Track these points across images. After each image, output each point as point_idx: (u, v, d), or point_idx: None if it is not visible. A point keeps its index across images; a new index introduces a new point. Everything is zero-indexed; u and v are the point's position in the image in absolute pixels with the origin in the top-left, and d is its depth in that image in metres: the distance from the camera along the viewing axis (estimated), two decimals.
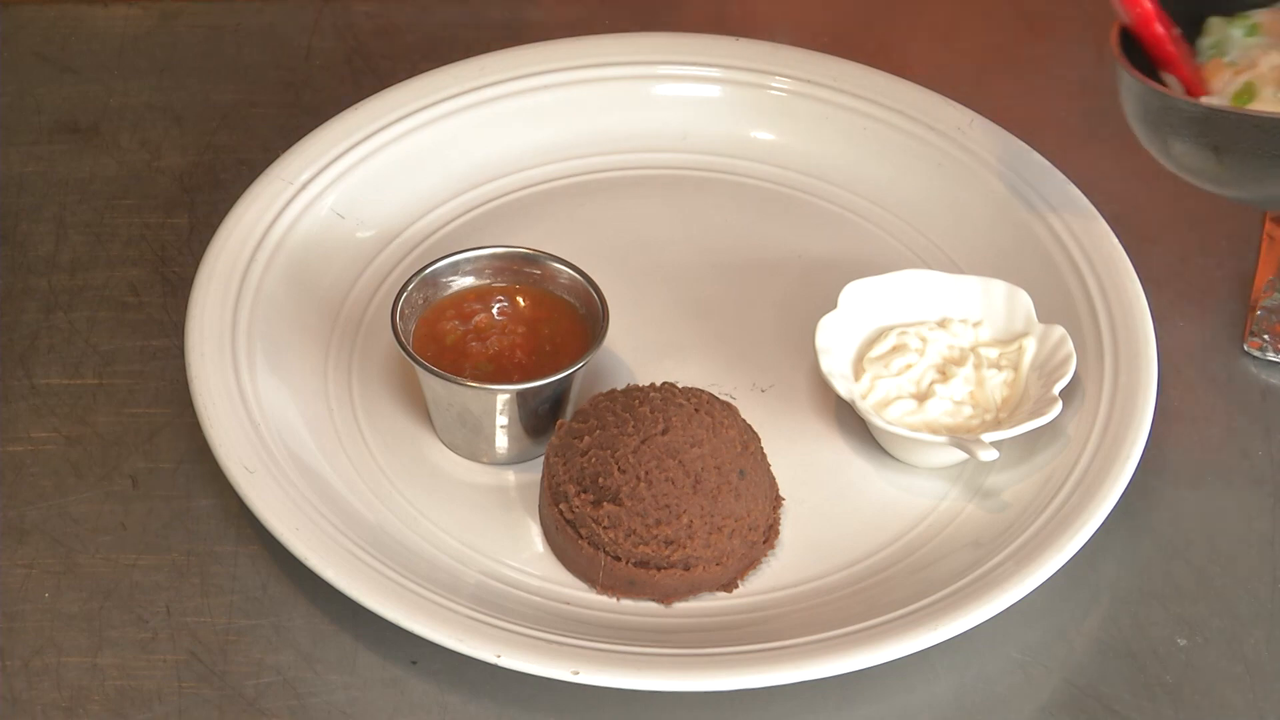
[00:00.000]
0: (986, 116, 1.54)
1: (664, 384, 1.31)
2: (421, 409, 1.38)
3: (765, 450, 1.32)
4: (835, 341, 1.38)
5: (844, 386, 1.35)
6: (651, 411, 1.27)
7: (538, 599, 1.28)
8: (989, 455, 1.30)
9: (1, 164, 1.58)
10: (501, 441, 1.34)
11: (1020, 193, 1.49)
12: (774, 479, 1.33)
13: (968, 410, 1.36)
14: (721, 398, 1.32)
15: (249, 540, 1.32)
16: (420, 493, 1.34)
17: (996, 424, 1.35)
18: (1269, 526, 1.35)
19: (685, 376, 1.36)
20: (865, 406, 1.34)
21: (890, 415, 1.35)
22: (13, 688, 1.24)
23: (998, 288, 1.40)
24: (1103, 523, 1.28)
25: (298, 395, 1.38)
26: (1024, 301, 1.39)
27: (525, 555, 1.31)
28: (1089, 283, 1.43)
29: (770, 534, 1.31)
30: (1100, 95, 1.68)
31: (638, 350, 1.45)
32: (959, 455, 1.33)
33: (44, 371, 1.42)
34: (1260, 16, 1.45)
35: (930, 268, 1.48)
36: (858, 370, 1.38)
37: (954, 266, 1.48)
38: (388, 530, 1.31)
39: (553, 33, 1.62)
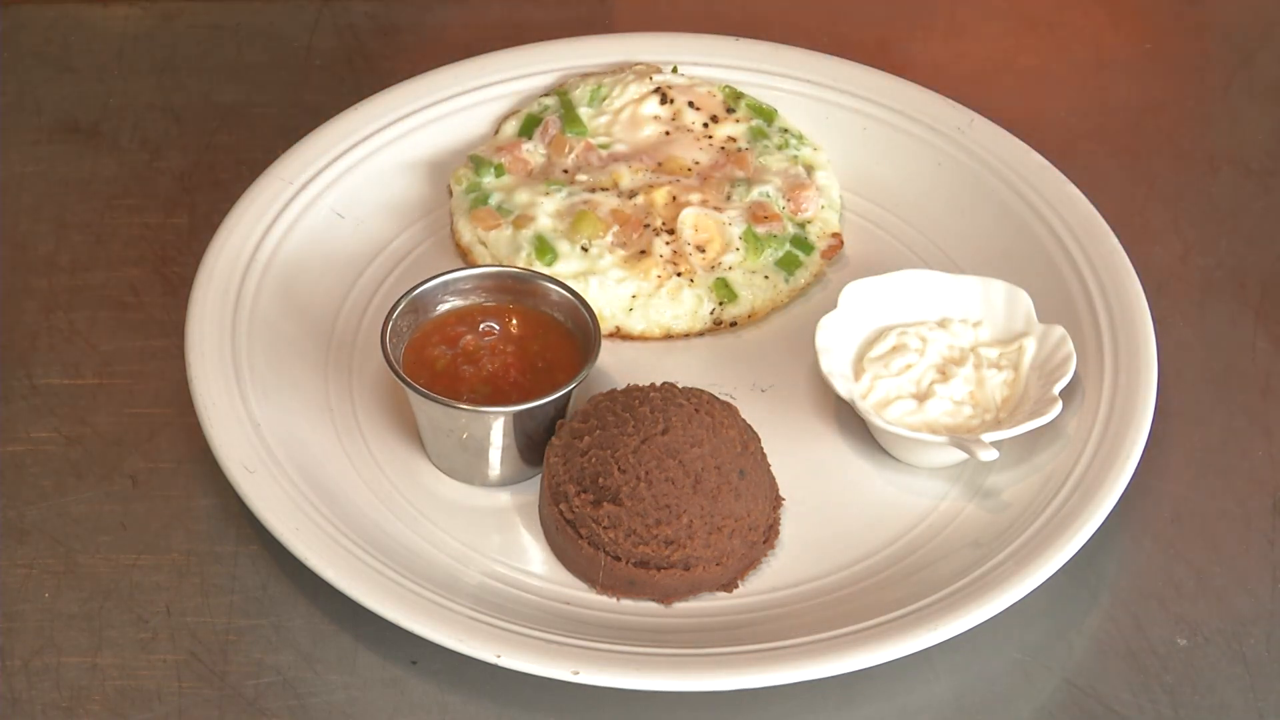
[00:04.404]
0: (986, 116, 1.54)
1: (664, 384, 1.31)
2: None
3: (765, 450, 1.32)
4: (835, 341, 1.38)
5: (844, 386, 1.35)
6: (651, 411, 1.27)
7: (538, 599, 1.28)
8: (989, 455, 1.30)
9: (1, 164, 1.58)
10: (506, 462, 1.34)
11: (1020, 193, 1.49)
12: (774, 479, 1.33)
13: (968, 410, 1.36)
14: (721, 398, 1.32)
15: (249, 540, 1.32)
16: (420, 493, 1.34)
17: (997, 424, 1.35)
18: (1269, 526, 1.35)
19: (685, 376, 1.36)
20: (865, 406, 1.34)
21: (890, 415, 1.35)
22: (13, 688, 1.24)
23: (998, 288, 1.40)
24: (1103, 523, 1.28)
25: (298, 395, 1.38)
26: (1024, 301, 1.39)
27: (525, 555, 1.31)
28: (1089, 283, 1.43)
29: (770, 534, 1.31)
30: (1100, 95, 1.68)
31: (638, 350, 1.45)
32: (959, 455, 1.33)
33: (44, 371, 1.42)
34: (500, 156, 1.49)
35: (930, 268, 1.47)
36: (858, 370, 1.38)
37: (954, 266, 1.48)
38: (388, 530, 1.31)
39: (553, 33, 1.62)
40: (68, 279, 1.49)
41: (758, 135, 1.53)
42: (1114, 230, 1.46)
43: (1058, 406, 1.32)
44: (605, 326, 1.43)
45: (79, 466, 1.36)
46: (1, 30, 1.69)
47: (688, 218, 1.46)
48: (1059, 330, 1.37)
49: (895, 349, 1.38)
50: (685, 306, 1.45)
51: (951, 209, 1.52)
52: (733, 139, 1.53)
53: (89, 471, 1.36)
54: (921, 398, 1.36)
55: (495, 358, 1.35)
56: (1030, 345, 1.37)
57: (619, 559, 1.26)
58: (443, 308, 1.37)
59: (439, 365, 1.34)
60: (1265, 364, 1.46)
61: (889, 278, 1.41)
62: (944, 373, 1.37)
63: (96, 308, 1.47)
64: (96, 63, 1.68)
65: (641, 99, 1.54)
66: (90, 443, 1.38)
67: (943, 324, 1.40)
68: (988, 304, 1.40)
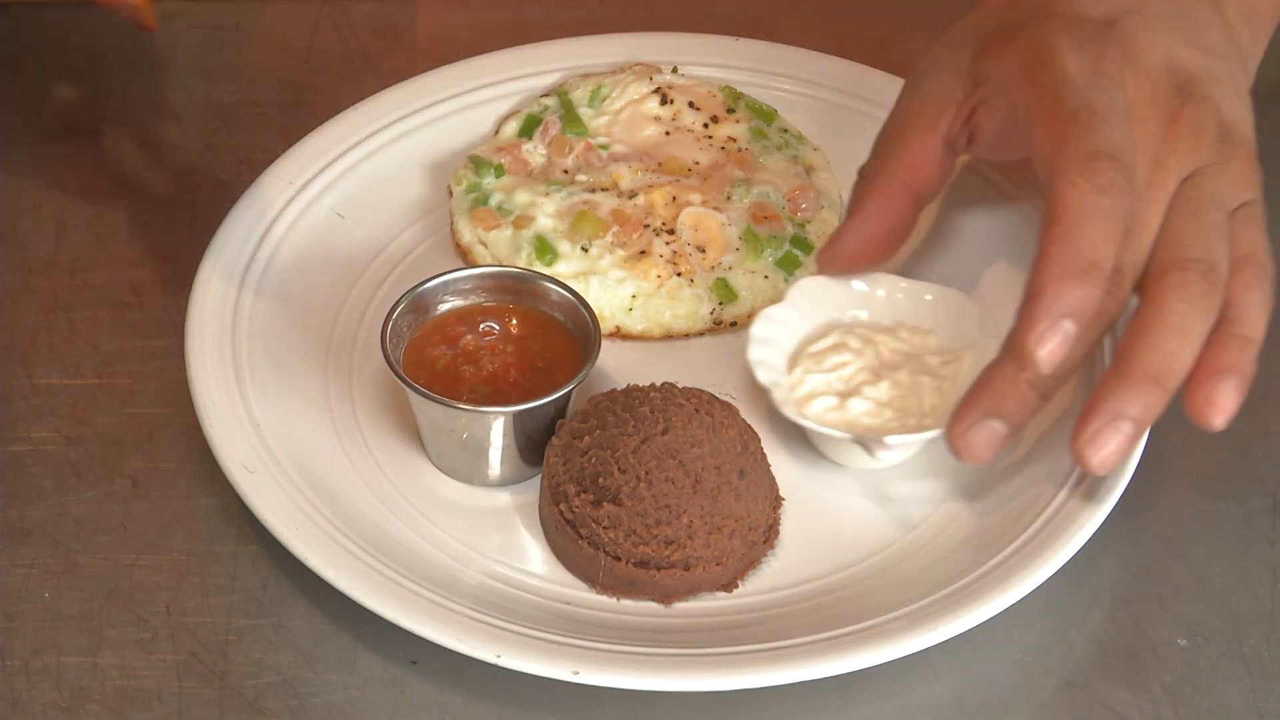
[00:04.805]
0: None
1: (664, 384, 1.31)
2: None
3: (765, 450, 1.32)
4: (773, 332, 1.37)
5: (765, 375, 1.34)
6: (651, 411, 1.27)
7: (538, 599, 1.28)
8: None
9: (1, 164, 1.58)
10: (506, 462, 1.34)
11: (1020, 192, 1.49)
12: (774, 479, 1.33)
13: (889, 414, 1.35)
14: (721, 398, 1.32)
15: (249, 540, 1.32)
16: (420, 493, 1.34)
17: (918, 429, 1.33)
18: (1269, 526, 1.35)
19: (685, 377, 1.35)
20: (777, 397, 1.33)
21: (811, 410, 1.34)
22: (13, 688, 1.24)
23: (952, 297, 1.39)
24: (1103, 523, 1.28)
25: (298, 395, 1.38)
26: (975, 313, 1.38)
27: (525, 555, 1.31)
28: None
29: (770, 534, 1.31)
30: None
31: (638, 350, 1.45)
32: (885, 460, 1.32)
33: (44, 371, 1.42)
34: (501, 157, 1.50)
35: (930, 267, 1.48)
36: (793, 363, 1.37)
37: (954, 266, 1.48)
38: (388, 530, 1.31)
39: (553, 33, 1.62)
40: (68, 279, 1.49)
41: (758, 136, 1.53)
42: None
43: None
44: (605, 326, 1.43)
45: (79, 466, 1.36)
46: (1, 30, 1.69)
47: (688, 218, 1.47)
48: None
49: (835, 347, 1.37)
50: (685, 306, 1.45)
51: (951, 209, 1.52)
52: (733, 139, 1.53)
53: (89, 471, 1.36)
54: (844, 396, 1.35)
55: (495, 358, 1.35)
56: (970, 357, 1.36)
57: (619, 559, 1.26)
58: (443, 308, 1.37)
59: (439, 365, 1.34)
60: (1265, 364, 1.45)
61: (845, 277, 1.41)
62: (877, 374, 1.36)
63: (96, 308, 1.47)
64: (96, 63, 1.68)
65: (641, 99, 1.54)
66: (90, 443, 1.38)
67: (893, 329, 1.39)
68: (941, 313, 1.39)
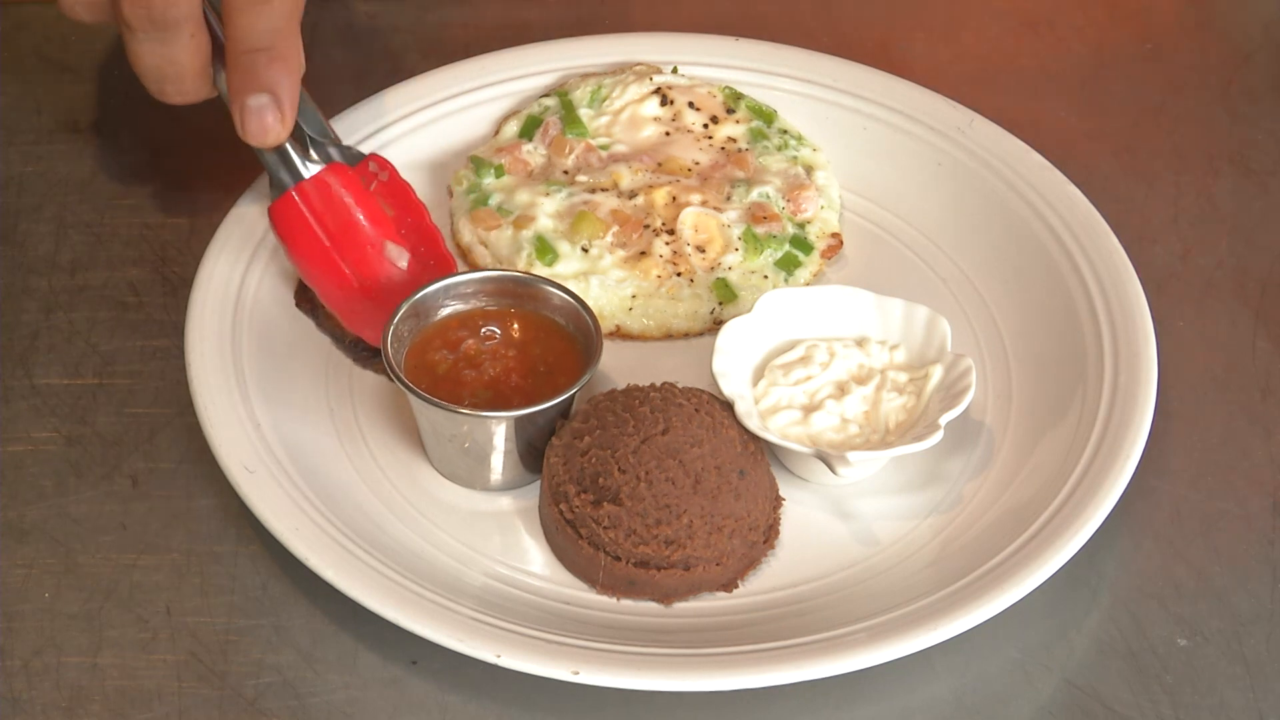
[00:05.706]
0: (986, 116, 1.54)
1: (664, 384, 1.31)
2: None
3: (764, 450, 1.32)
4: (738, 344, 1.37)
5: (729, 386, 1.34)
6: (651, 411, 1.27)
7: (538, 599, 1.28)
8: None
9: (1, 164, 1.58)
10: (508, 468, 1.34)
11: (1020, 192, 1.49)
12: (774, 479, 1.33)
13: (854, 429, 1.34)
14: (721, 398, 1.32)
15: (249, 540, 1.32)
16: (420, 493, 1.34)
17: (882, 445, 1.34)
18: (1269, 526, 1.35)
19: (685, 377, 1.36)
20: (742, 408, 1.32)
21: (775, 424, 1.34)
22: (13, 688, 1.24)
23: (920, 313, 1.38)
24: (1103, 523, 1.28)
25: (298, 395, 1.38)
26: (943, 329, 1.37)
27: (525, 556, 1.31)
28: (1089, 283, 1.43)
29: (770, 534, 1.31)
30: (1101, 95, 1.68)
31: (638, 350, 1.45)
32: (850, 476, 1.32)
33: (44, 371, 1.42)
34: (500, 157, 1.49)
35: (930, 267, 1.48)
36: (760, 376, 1.37)
37: (953, 266, 1.48)
38: (388, 530, 1.31)
39: (553, 33, 1.62)
40: (68, 279, 1.49)
41: (757, 136, 1.53)
42: (1114, 230, 1.46)
43: (937, 435, 1.31)
44: (605, 326, 1.43)
45: (79, 466, 1.36)
46: (1, 30, 1.69)
47: (688, 218, 1.47)
48: (966, 361, 1.35)
49: (801, 360, 1.37)
50: (685, 306, 1.45)
51: (951, 209, 1.52)
52: (733, 139, 1.53)
53: (89, 471, 1.36)
54: (808, 410, 1.35)
55: (497, 362, 1.34)
56: (936, 373, 1.36)
57: (619, 559, 1.26)
58: (444, 312, 1.37)
59: (440, 370, 1.34)
60: (1265, 364, 1.46)
61: (811, 291, 1.40)
62: (842, 389, 1.36)
63: (96, 308, 1.47)
64: (96, 63, 1.68)
65: (641, 99, 1.55)
66: (90, 443, 1.38)
67: (860, 343, 1.39)
68: (908, 328, 1.39)
